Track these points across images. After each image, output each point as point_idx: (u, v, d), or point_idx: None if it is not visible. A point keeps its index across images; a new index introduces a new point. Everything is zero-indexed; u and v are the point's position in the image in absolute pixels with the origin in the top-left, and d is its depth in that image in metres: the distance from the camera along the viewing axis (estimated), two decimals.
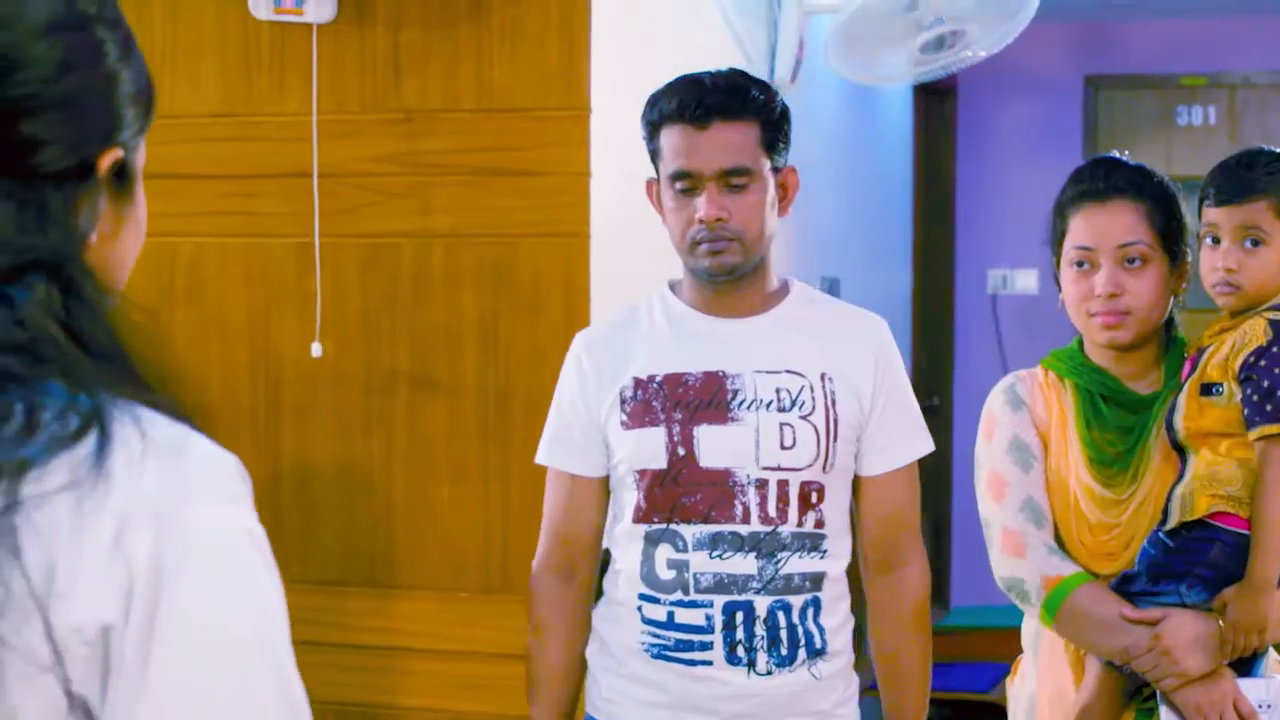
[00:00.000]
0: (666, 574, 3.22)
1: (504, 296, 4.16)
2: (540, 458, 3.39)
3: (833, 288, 6.43)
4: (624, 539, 3.29)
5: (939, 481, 8.50)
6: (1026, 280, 9.01)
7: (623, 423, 3.25)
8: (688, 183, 3.18)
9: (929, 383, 8.76)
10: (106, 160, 1.45)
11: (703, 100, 3.17)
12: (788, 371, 3.22)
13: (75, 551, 1.29)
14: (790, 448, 3.18)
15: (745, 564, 3.18)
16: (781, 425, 3.19)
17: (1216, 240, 3.18)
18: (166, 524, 1.33)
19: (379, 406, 4.27)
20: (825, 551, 3.22)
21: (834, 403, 3.21)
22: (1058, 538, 3.26)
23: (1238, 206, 3.15)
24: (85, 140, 1.43)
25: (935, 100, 8.93)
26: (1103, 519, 3.24)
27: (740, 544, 3.18)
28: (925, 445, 3.35)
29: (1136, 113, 9.18)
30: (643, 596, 3.25)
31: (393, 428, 4.26)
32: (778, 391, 3.20)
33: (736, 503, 3.18)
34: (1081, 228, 3.26)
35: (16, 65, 1.38)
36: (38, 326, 1.34)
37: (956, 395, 9.00)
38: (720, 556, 3.18)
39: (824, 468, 3.20)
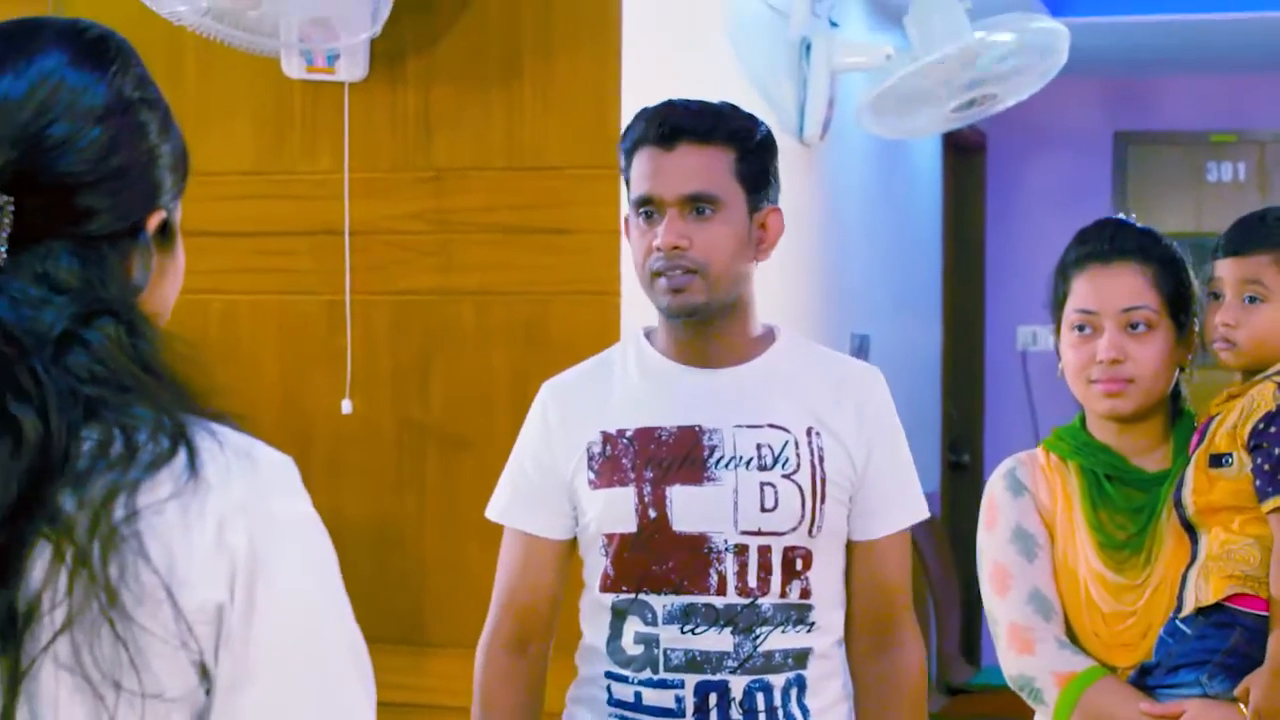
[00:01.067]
0: (634, 649, 2.93)
1: (535, 354, 4.17)
2: (492, 513, 3.12)
3: (863, 344, 6.43)
4: (591, 610, 3.02)
5: (968, 539, 8.47)
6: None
7: (590, 481, 2.96)
8: (650, 208, 2.92)
9: (959, 439, 8.73)
10: (153, 221, 1.70)
11: (668, 120, 2.93)
12: (770, 426, 2.93)
13: (188, 547, 1.57)
14: (771, 510, 2.89)
15: (720, 640, 2.88)
16: (762, 485, 2.90)
17: (1218, 295, 3.07)
18: (254, 518, 1.62)
19: (410, 463, 4.28)
20: (812, 624, 2.93)
21: (821, 460, 2.93)
22: (1070, 630, 3.08)
23: (1241, 259, 3.05)
24: (133, 206, 1.68)
25: (965, 156, 8.94)
26: (1117, 607, 3.05)
27: (715, 617, 2.88)
28: (920, 510, 3.09)
29: (1166, 169, 9.18)
30: (609, 674, 2.97)
31: (424, 485, 4.26)
32: (759, 448, 2.91)
33: (712, 571, 2.88)
34: (1084, 290, 3.10)
35: (74, 147, 1.64)
36: (115, 362, 1.60)
37: (987, 452, 8.97)
38: (693, 631, 2.89)
39: (810, 531, 2.91)
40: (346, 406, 4.23)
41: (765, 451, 2.92)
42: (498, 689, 3.11)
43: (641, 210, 2.94)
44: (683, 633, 2.89)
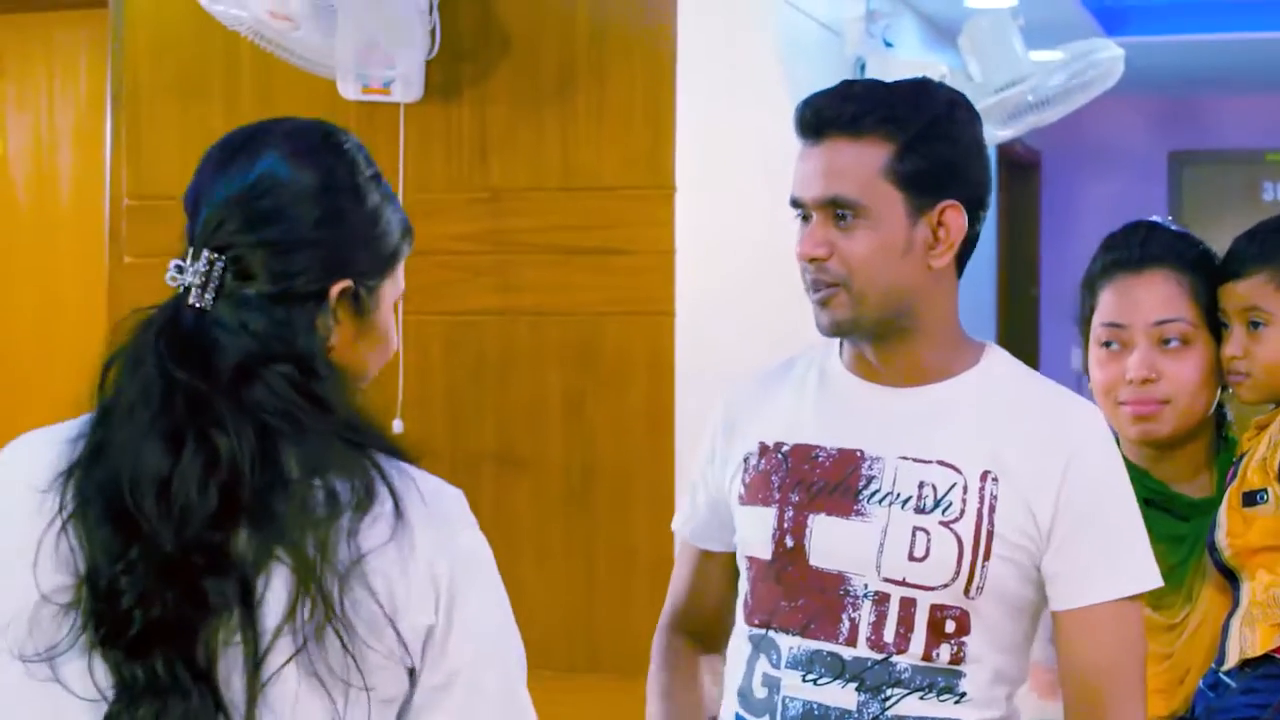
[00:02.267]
0: (760, 692, 2.58)
1: (589, 374, 4.17)
2: (674, 522, 2.88)
3: None
4: (735, 640, 2.67)
5: None
6: None
7: (740, 496, 2.63)
8: (800, 210, 2.54)
9: None
10: (335, 289, 1.98)
11: (815, 107, 2.53)
12: (939, 463, 2.50)
13: (405, 582, 1.91)
14: (920, 559, 2.47)
15: (843, 696, 2.49)
16: (915, 530, 2.48)
17: (1226, 325, 2.79)
18: (452, 553, 1.97)
19: (463, 483, 4.24)
20: (963, 696, 2.48)
21: (991, 510, 2.47)
22: None
23: (1238, 283, 2.77)
24: (317, 275, 1.97)
25: (1019, 176, 8.92)
26: (1153, 648, 2.63)
27: (839, 669, 2.50)
28: (1142, 579, 2.52)
29: (1221, 188, 9.15)
30: (738, 717, 2.62)
31: (477, 505, 4.23)
32: (920, 486, 2.49)
33: (844, 618, 2.50)
34: (1112, 302, 2.80)
35: (289, 217, 1.98)
36: (288, 397, 1.90)
37: None
38: (814, 682, 2.51)
39: (967, 591, 2.46)
40: (398, 426, 4.24)
41: (927, 491, 2.50)
42: (669, 669, 2.85)
43: (794, 212, 2.57)
44: (804, 681, 2.52)
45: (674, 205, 4.10)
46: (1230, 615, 2.69)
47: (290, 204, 1.99)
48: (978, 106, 5.31)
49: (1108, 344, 2.81)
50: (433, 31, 4.19)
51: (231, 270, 1.95)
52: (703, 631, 2.82)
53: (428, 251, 4.26)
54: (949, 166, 2.50)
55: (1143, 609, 2.53)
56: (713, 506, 2.72)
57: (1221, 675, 2.67)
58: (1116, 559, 2.50)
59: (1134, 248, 2.83)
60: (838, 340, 2.61)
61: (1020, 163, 8.65)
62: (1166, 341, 2.77)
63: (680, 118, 4.11)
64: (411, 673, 1.94)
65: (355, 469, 1.92)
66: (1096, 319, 2.84)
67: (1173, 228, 2.91)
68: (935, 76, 5.42)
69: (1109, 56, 5.28)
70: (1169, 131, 9.18)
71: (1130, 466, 2.66)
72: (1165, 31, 7.70)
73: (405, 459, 2.01)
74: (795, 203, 2.53)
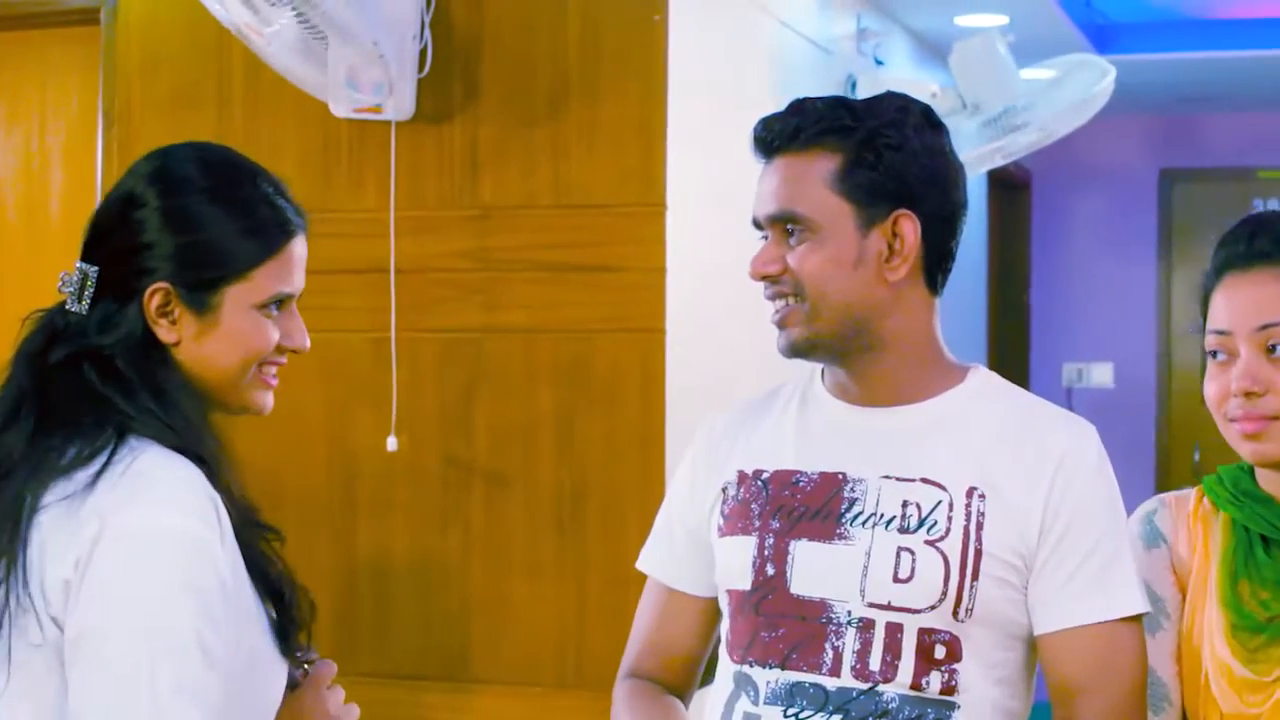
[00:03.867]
0: None
1: (580, 392, 4.17)
2: (639, 561, 2.70)
3: None
4: (718, 678, 2.52)
5: None
6: (1102, 374, 8.96)
7: (719, 528, 2.52)
8: (761, 232, 2.50)
9: None
10: (148, 294, 2.19)
11: (765, 127, 2.51)
12: (923, 480, 2.39)
13: (59, 534, 2.08)
14: (905, 580, 2.34)
15: None
16: (899, 550, 2.36)
17: (1216, 354, 2.49)
18: (114, 521, 2.06)
19: (455, 501, 4.28)
20: None
21: (979, 527, 2.35)
22: None
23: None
24: (136, 279, 2.20)
25: (1010, 193, 8.93)
26: (1239, 708, 2.37)
27: (823, 702, 2.36)
28: (1126, 602, 2.38)
29: (1212, 206, 9.15)
30: None
31: (469, 522, 4.27)
32: (904, 505, 2.38)
33: (827, 647, 2.37)
34: (1219, 306, 2.46)
35: (103, 231, 2.25)
36: (82, 386, 2.18)
37: None
38: (796, 716, 2.37)
39: (956, 613, 2.34)
40: (392, 444, 4.24)
41: (911, 510, 2.38)
42: (623, 700, 2.64)
43: (760, 234, 2.52)
44: (785, 716, 2.38)
45: (665, 223, 4.11)
46: None
47: (104, 220, 2.24)
48: (968, 127, 5.33)
49: (1214, 354, 2.45)
50: (424, 50, 4.19)
51: (91, 279, 2.22)
52: (666, 685, 2.63)
53: (419, 269, 4.27)
54: (897, 175, 2.41)
55: (1140, 634, 2.38)
56: (690, 542, 2.58)
57: None
58: (1097, 580, 2.37)
59: (1240, 243, 2.46)
60: (821, 366, 2.55)
61: (1011, 181, 8.66)
62: (1273, 349, 2.39)
63: (671, 135, 4.12)
64: (55, 622, 2.07)
65: (92, 438, 2.12)
66: (1208, 326, 2.48)
67: None
68: (925, 95, 5.45)
69: (1097, 67, 5.29)
70: (1160, 149, 9.19)
71: (1256, 494, 2.45)
72: (1156, 49, 7.72)
73: (187, 453, 2.16)
74: (755, 223, 2.51)
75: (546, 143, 4.20)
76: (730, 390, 4.41)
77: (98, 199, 4.53)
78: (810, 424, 2.52)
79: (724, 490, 2.53)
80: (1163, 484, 8.44)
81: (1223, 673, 2.39)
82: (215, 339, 2.24)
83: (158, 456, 2.13)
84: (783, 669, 2.39)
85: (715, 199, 4.41)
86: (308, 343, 2.36)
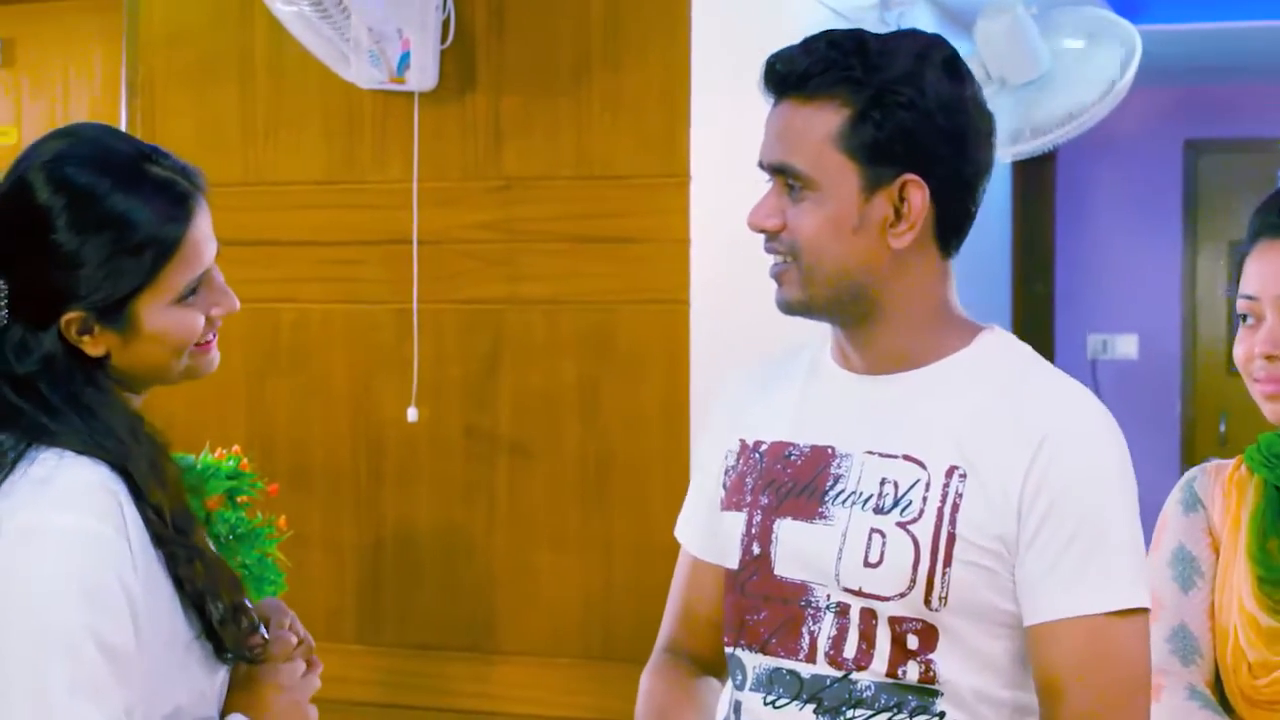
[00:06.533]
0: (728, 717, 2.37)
1: (603, 363, 4.17)
2: (676, 526, 2.58)
3: None
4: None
5: None
6: (1127, 346, 8.94)
7: (721, 499, 2.41)
8: (765, 176, 2.33)
9: None
10: (65, 320, 2.17)
11: (776, 63, 2.29)
12: (905, 458, 2.23)
13: None
14: (875, 565, 2.20)
15: (800, 718, 2.25)
16: (871, 532, 2.21)
17: (1246, 317, 2.55)
18: (6, 522, 2.06)
19: (479, 472, 4.28)
20: (941, 716, 2.20)
21: (954, 509, 2.18)
22: (1219, 681, 2.50)
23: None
24: (50, 309, 2.17)
25: (1033, 165, 8.89)
26: (1267, 657, 2.43)
27: (798, 689, 2.26)
28: (1121, 595, 2.17)
29: (1237, 177, 9.11)
30: None
31: (493, 493, 4.27)
32: (882, 484, 2.23)
33: (804, 631, 2.25)
34: (1250, 272, 2.50)
35: (15, 251, 2.18)
36: (13, 405, 2.16)
37: None
38: (774, 704, 2.27)
39: (928, 601, 2.18)
40: (413, 414, 4.24)
41: (888, 489, 2.23)
42: (661, 693, 2.50)
43: (764, 177, 2.33)
44: (765, 704, 2.28)
45: (688, 193, 4.10)
46: None
47: (9, 233, 2.18)
48: (997, 103, 5.30)
49: (1244, 317, 2.50)
50: (447, 21, 4.19)
51: (4, 294, 2.19)
52: (698, 656, 2.50)
53: (442, 240, 4.27)
54: (907, 135, 2.21)
55: (1139, 630, 2.18)
56: (710, 509, 2.45)
57: None
58: (1082, 569, 2.16)
59: (1273, 212, 2.50)
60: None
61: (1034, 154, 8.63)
62: None
63: (694, 106, 4.11)
64: None
65: (3, 451, 2.13)
66: (1239, 291, 2.52)
67: None
68: None
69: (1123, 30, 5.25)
70: (1184, 120, 9.15)
71: None
72: (1181, 20, 7.69)
73: (101, 459, 2.14)
74: (760, 165, 2.32)
75: (569, 114, 4.20)
76: (755, 362, 4.40)
77: None
78: (811, 393, 2.37)
79: (727, 458, 2.42)
80: (1187, 456, 8.42)
81: (1250, 624, 2.45)
82: (141, 343, 2.21)
83: (60, 460, 2.12)
84: (764, 654, 2.28)
85: (739, 169, 4.39)
86: (236, 304, 2.29)
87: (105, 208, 2.15)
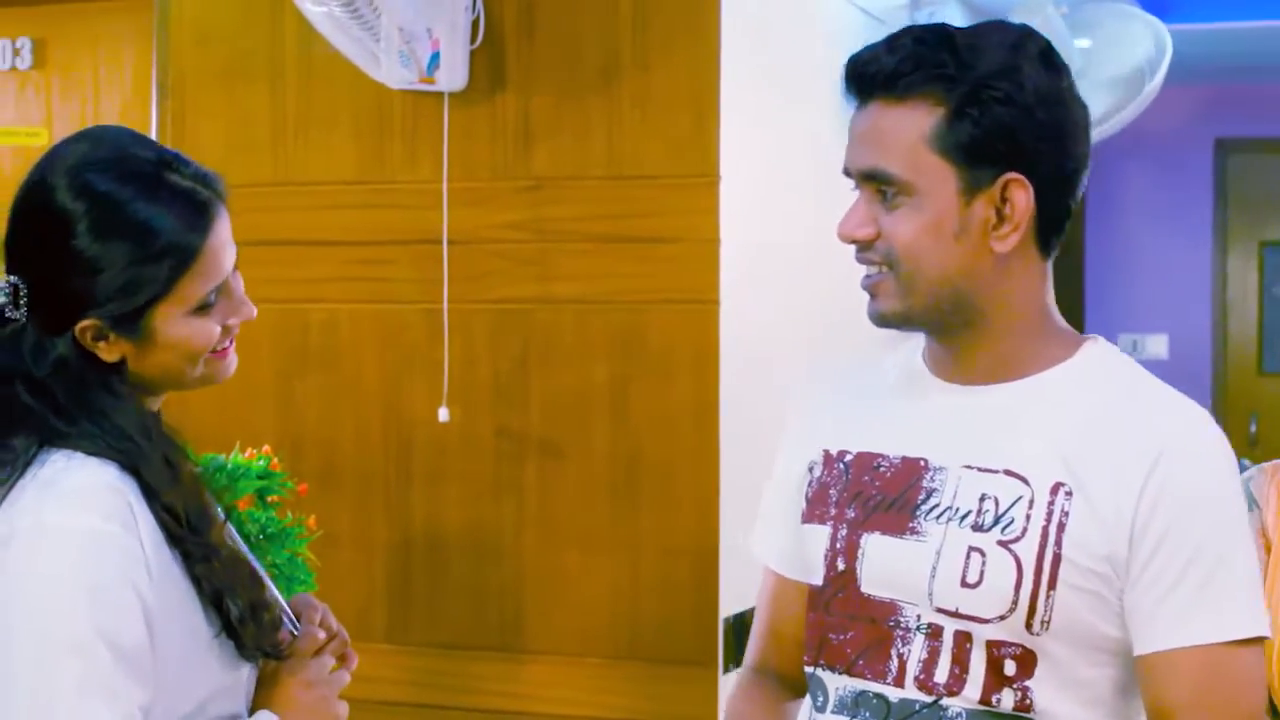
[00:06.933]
0: None
1: (633, 363, 4.16)
2: (752, 542, 2.49)
3: None
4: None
5: None
6: (1157, 345, 8.92)
7: (803, 512, 2.30)
8: (850, 182, 2.21)
9: None
10: (79, 329, 2.17)
11: (860, 64, 2.16)
12: (1006, 472, 2.12)
13: None
14: (974, 585, 2.09)
15: None
16: (970, 550, 2.10)
17: None
18: (19, 524, 2.06)
19: (508, 472, 4.28)
20: None
21: (1060, 529, 2.07)
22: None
23: None
24: (65, 315, 2.17)
25: None
26: None
27: (884, 713, 2.15)
28: (1240, 623, 2.06)
29: (1268, 175, 9.09)
30: None
31: (522, 493, 4.27)
32: (981, 500, 2.12)
33: (893, 653, 2.15)
34: None
35: (35, 253, 2.19)
36: (26, 405, 2.16)
37: None
38: None
39: (1029, 624, 2.07)
40: (443, 415, 4.25)
41: (988, 505, 2.11)
42: (735, 708, 2.45)
43: (850, 184, 2.22)
44: None
45: (718, 193, 4.09)
46: None
47: (29, 235, 2.19)
48: None
49: None
50: (476, 21, 4.19)
51: (24, 292, 2.19)
52: (787, 676, 2.40)
53: (472, 240, 4.28)
54: (1008, 133, 2.10)
55: (1257, 660, 2.08)
56: (786, 522, 2.35)
57: None
58: (1201, 595, 2.05)
59: None
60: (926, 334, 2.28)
61: None
62: None
63: (724, 106, 4.10)
64: None
65: (16, 453, 2.12)
66: None
67: None
68: None
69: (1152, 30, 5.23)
70: (1215, 119, 9.13)
71: None
72: (1211, 18, 7.66)
73: (111, 459, 2.13)
74: (846, 173, 2.20)
75: (599, 113, 4.20)
76: (784, 362, 4.40)
77: None
78: (903, 401, 2.26)
79: (810, 469, 2.31)
80: None
81: None
82: (156, 352, 2.21)
83: (69, 462, 2.12)
84: (849, 675, 2.18)
85: (768, 169, 4.40)
86: (254, 312, 2.30)
87: (125, 216, 2.15)
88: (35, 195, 2.18)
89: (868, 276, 2.18)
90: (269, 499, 3.55)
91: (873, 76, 2.13)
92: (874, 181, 2.14)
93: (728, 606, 4.07)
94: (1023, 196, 2.12)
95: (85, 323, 2.17)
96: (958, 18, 6.27)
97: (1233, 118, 9.11)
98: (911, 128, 2.10)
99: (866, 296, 2.20)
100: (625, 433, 4.17)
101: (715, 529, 4.04)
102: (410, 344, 4.35)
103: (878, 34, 4.14)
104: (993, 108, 2.08)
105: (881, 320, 2.19)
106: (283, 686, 2.28)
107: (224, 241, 2.22)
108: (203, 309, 2.21)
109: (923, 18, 5.45)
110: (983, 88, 2.09)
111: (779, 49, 4.61)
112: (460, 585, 4.32)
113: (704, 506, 4.05)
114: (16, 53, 5.44)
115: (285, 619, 2.37)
